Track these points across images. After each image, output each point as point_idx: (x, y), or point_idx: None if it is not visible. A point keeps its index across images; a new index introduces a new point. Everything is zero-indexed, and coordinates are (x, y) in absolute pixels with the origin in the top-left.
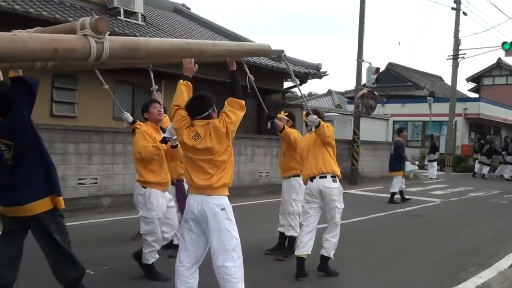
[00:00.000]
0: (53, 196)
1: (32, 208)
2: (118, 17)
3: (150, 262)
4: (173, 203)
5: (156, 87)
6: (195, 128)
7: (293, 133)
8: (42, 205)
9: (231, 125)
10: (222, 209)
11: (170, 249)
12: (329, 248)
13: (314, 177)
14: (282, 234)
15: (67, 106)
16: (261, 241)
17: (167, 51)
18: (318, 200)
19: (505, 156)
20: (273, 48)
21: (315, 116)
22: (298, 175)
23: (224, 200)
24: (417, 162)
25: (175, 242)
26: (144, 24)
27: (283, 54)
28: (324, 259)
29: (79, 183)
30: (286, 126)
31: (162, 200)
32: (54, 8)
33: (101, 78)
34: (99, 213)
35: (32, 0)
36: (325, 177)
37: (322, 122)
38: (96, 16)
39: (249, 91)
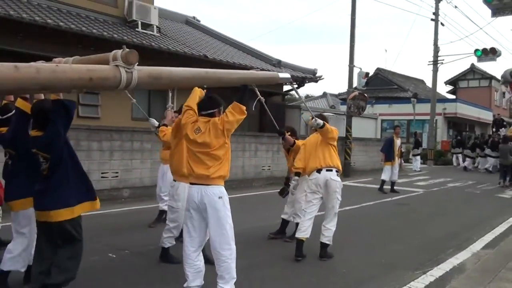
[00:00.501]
0: (84, 203)
1: (57, 214)
2: (136, 29)
3: (166, 246)
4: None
5: (172, 105)
6: (198, 124)
7: (300, 144)
8: (65, 214)
9: (228, 124)
10: (220, 197)
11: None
12: (330, 236)
13: (321, 169)
14: (284, 221)
15: (92, 108)
16: (264, 227)
17: (187, 79)
18: (322, 190)
19: (486, 149)
20: (280, 76)
21: (319, 121)
22: None
23: (221, 189)
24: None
25: None
26: (159, 35)
27: (290, 79)
28: (324, 246)
29: (102, 177)
30: (296, 140)
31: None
32: (81, 22)
33: (129, 95)
34: (119, 203)
35: (70, 16)
36: (331, 170)
37: (327, 125)
38: (127, 50)
39: (253, 109)
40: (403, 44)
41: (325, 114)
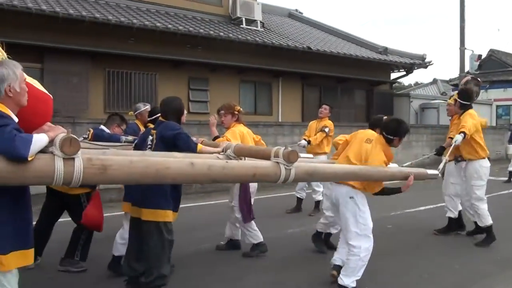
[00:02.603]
0: (166, 210)
1: (147, 213)
2: (241, 26)
3: (320, 231)
4: (234, 203)
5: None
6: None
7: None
8: (153, 214)
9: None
10: (351, 197)
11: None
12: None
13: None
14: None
15: (201, 104)
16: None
17: (339, 176)
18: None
19: None
20: (429, 172)
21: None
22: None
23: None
24: None
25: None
26: (262, 30)
27: (436, 176)
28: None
29: None
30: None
31: None
32: (188, 23)
33: None
34: (207, 196)
35: (169, 17)
36: None
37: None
38: (289, 149)
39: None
40: None
41: (435, 101)
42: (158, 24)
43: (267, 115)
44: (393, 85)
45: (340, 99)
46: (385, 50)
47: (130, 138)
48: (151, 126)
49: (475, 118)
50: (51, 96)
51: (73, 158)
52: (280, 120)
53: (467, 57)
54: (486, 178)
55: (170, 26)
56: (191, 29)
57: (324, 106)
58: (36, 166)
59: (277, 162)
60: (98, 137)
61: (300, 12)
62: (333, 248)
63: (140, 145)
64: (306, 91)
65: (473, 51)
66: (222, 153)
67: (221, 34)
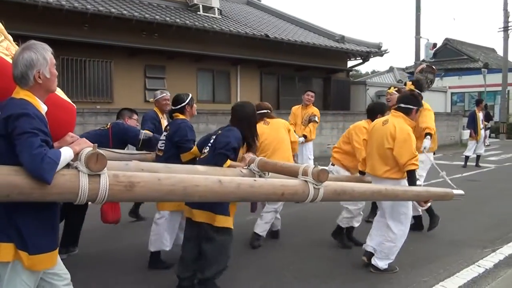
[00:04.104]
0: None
1: (200, 215)
2: (198, 12)
3: (344, 226)
4: None
5: None
6: None
7: None
8: (205, 217)
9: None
10: None
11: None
12: None
13: None
14: None
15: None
16: None
17: (367, 196)
18: None
19: None
20: (455, 192)
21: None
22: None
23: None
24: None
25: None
26: (220, 17)
27: (463, 196)
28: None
29: None
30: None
31: None
32: (144, 9)
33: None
34: None
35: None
36: None
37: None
38: (319, 168)
39: None
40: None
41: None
42: (113, 10)
43: (226, 103)
44: (350, 73)
45: (298, 87)
46: (342, 39)
47: (149, 133)
48: (180, 116)
49: (431, 111)
50: (74, 105)
51: (99, 175)
52: None
53: (422, 46)
54: None
55: (125, 12)
56: (146, 15)
57: (308, 93)
58: (60, 183)
59: (306, 181)
60: (117, 129)
61: (258, 0)
62: (358, 243)
63: (201, 146)
64: (264, 79)
65: (428, 40)
66: (246, 167)
67: (178, 21)
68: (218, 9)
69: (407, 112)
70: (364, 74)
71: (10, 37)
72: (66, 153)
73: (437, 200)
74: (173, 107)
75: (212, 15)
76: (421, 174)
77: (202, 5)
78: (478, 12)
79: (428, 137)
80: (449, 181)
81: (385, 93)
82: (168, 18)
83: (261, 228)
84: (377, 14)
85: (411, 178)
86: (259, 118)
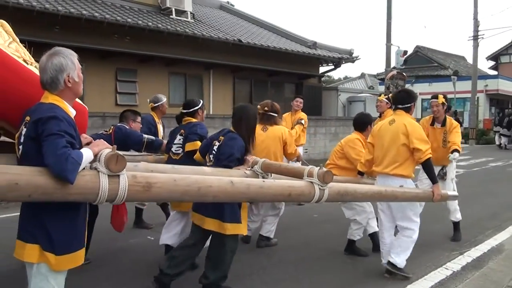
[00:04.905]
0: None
1: (209, 223)
2: (171, 16)
3: (355, 239)
4: None
5: None
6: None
7: None
8: (215, 225)
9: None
10: (401, 186)
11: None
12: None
13: None
14: None
15: (130, 96)
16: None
17: (368, 197)
18: None
19: None
20: (449, 194)
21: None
22: None
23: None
24: None
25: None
26: (193, 21)
27: (457, 197)
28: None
29: None
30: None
31: None
32: (115, 12)
33: None
34: None
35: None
36: None
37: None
38: (325, 169)
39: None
40: (441, 20)
41: (362, 95)
42: (84, 12)
43: None
44: (322, 78)
45: (270, 92)
46: (314, 45)
47: (151, 137)
48: (192, 120)
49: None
50: (86, 107)
51: (118, 175)
52: (211, 113)
53: (393, 53)
54: None
55: (96, 14)
56: (118, 18)
57: (297, 99)
58: (81, 183)
59: (311, 182)
60: (120, 135)
61: (231, 5)
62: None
63: (203, 151)
64: (237, 84)
65: (399, 47)
66: (249, 169)
67: (150, 24)
68: (191, 13)
69: (407, 110)
70: (336, 80)
71: (17, 39)
72: (86, 154)
73: (443, 200)
74: (184, 111)
75: (185, 19)
76: (452, 177)
77: (175, 9)
78: (449, 21)
79: (456, 153)
80: (455, 184)
81: (356, 99)
82: (140, 21)
83: (265, 230)
84: (349, 21)
85: (428, 167)
86: (265, 120)
